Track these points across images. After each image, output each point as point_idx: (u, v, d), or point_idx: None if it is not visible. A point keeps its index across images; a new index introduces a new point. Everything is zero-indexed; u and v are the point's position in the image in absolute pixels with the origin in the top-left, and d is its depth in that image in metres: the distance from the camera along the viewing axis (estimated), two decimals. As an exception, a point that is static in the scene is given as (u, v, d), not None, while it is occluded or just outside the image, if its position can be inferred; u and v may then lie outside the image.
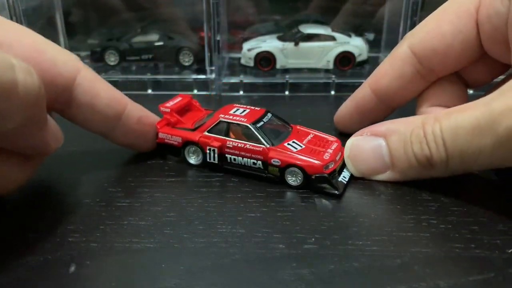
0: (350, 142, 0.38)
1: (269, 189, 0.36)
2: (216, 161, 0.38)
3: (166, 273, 0.27)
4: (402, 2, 0.57)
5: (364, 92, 0.42)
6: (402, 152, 0.34)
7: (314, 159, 0.35)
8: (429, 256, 0.28)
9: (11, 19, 0.56)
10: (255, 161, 0.37)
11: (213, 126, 0.38)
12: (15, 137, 0.28)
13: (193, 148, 0.39)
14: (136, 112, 0.38)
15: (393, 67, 0.40)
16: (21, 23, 0.57)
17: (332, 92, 0.60)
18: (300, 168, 0.35)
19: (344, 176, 0.37)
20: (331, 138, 0.39)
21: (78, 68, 0.34)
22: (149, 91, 0.60)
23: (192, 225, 0.32)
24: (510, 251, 0.29)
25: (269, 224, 0.32)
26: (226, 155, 0.38)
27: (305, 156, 0.36)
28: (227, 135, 0.38)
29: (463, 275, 0.27)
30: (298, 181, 0.36)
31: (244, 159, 0.37)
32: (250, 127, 0.37)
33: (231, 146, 0.37)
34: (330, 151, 0.37)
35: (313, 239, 0.30)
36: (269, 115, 0.39)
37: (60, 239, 0.30)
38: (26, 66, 0.26)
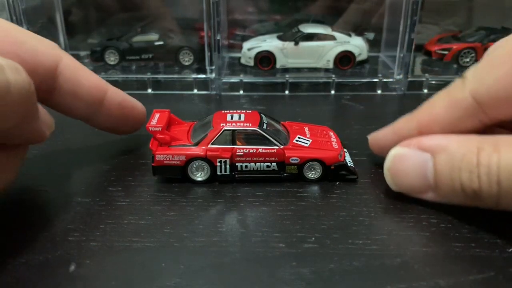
0: (393, 152, 0.34)
1: (269, 188, 0.36)
2: (228, 173, 0.36)
3: (166, 272, 0.27)
4: (402, 2, 0.57)
5: (409, 129, 0.35)
6: (449, 177, 0.30)
7: (329, 150, 0.37)
8: (429, 255, 0.28)
9: (11, 18, 0.56)
10: (269, 164, 0.36)
11: (217, 137, 0.36)
12: (12, 133, 0.28)
13: (196, 164, 0.36)
14: (116, 96, 0.38)
15: (450, 116, 0.33)
16: (21, 22, 0.57)
17: (332, 92, 0.60)
18: (319, 161, 0.36)
19: (350, 161, 0.38)
20: (323, 127, 0.42)
21: (59, 57, 0.34)
22: (149, 91, 0.60)
23: (192, 224, 0.31)
24: (510, 250, 0.29)
25: (269, 223, 0.32)
26: (237, 164, 0.36)
27: (320, 149, 0.37)
28: (234, 143, 0.36)
29: (463, 274, 0.27)
30: (317, 174, 0.37)
31: (257, 164, 0.36)
32: (260, 131, 0.36)
33: (241, 153, 0.36)
34: (334, 139, 0.39)
35: (313, 238, 0.30)
36: (263, 116, 0.39)
37: (60, 238, 0.30)
38: (13, 65, 0.26)
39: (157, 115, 0.38)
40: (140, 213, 0.33)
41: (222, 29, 0.58)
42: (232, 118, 0.38)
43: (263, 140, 0.36)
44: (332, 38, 0.62)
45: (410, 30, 0.57)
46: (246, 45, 0.63)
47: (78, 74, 0.35)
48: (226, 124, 0.37)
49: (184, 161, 0.36)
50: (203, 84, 0.61)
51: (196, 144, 0.36)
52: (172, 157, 0.36)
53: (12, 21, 0.56)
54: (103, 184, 0.37)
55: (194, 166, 0.36)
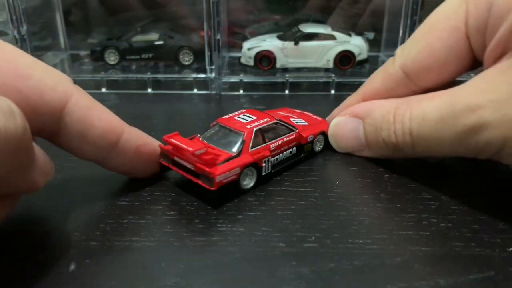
0: (334, 121, 0.41)
1: (269, 188, 0.36)
2: (270, 170, 0.37)
3: (166, 272, 0.27)
4: (402, 1, 0.57)
5: (356, 102, 0.42)
6: (374, 136, 0.38)
7: (322, 122, 0.42)
8: (430, 254, 0.28)
9: (11, 18, 0.56)
10: (291, 149, 0.39)
11: (253, 140, 0.36)
12: None
13: (243, 173, 0.35)
14: (133, 140, 0.33)
15: (385, 87, 0.39)
16: (21, 22, 0.57)
17: (332, 91, 0.60)
18: (323, 132, 0.41)
19: None
20: (287, 108, 0.46)
21: (68, 94, 0.29)
22: (149, 90, 0.60)
23: (192, 223, 0.31)
24: (510, 249, 0.29)
25: (269, 222, 0.32)
26: (271, 159, 0.37)
27: (316, 123, 0.42)
28: (264, 141, 0.37)
29: (463, 274, 0.27)
30: (321, 145, 0.42)
31: (284, 153, 0.38)
32: (279, 121, 0.39)
33: (274, 148, 0.37)
34: (310, 114, 0.44)
35: (313, 238, 0.30)
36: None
37: (60, 238, 0.30)
38: (6, 106, 0.22)
39: (176, 140, 0.34)
40: (140, 213, 0.33)
41: (222, 29, 0.58)
42: (245, 119, 0.38)
43: (278, 130, 0.38)
44: (332, 37, 0.62)
45: (410, 30, 0.57)
46: (246, 44, 0.63)
47: (90, 115, 0.30)
48: (251, 125, 0.37)
49: (238, 174, 0.34)
50: (203, 84, 0.61)
51: (239, 153, 0.35)
52: (229, 174, 0.33)
53: (12, 21, 0.56)
54: (103, 184, 0.37)
55: (241, 175, 0.35)
